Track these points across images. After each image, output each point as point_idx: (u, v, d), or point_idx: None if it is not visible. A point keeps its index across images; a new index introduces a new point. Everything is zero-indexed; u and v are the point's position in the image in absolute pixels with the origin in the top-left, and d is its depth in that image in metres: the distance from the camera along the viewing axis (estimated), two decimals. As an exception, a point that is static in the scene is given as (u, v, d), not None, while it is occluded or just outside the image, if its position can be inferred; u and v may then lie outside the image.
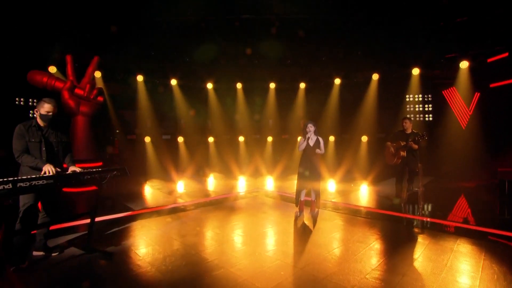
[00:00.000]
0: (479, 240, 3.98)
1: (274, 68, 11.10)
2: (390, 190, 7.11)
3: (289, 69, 11.05)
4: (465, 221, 4.97)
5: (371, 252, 3.60)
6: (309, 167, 5.24)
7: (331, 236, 4.23)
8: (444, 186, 7.89)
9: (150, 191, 7.41)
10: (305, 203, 5.54)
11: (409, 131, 5.88)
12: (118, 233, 4.35)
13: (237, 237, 4.21)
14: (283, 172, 9.77)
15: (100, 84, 9.49)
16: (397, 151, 5.79)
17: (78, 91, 8.44)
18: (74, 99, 8.38)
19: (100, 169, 3.37)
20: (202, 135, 11.66)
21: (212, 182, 9.08)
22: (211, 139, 11.72)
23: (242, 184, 8.67)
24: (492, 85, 9.28)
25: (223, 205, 6.14)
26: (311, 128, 5.21)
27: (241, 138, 11.84)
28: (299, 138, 5.13)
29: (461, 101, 9.97)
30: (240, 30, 9.65)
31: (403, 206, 5.83)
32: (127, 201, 6.38)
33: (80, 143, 8.54)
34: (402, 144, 5.72)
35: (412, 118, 11.16)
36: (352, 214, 5.41)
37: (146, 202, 6.42)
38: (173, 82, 10.98)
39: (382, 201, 6.41)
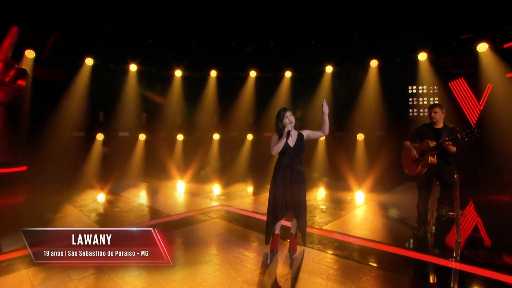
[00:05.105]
0: None
1: (254, 53, 8.84)
2: (402, 205, 4.94)
3: (272, 54, 8.79)
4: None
5: None
6: (289, 181, 3.05)
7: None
8: (471, 201, 5.59)
9: (65, 211, 4.88)
10: (282, 234, 3.36)
11: (440, 125, 3.63)
12: None
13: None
14: (262, 178, 7.42)
15: (28, 67, 7.01)
16: (424, 156, 3.58)
17: (-13, 72, 6.05)
18: (-19, 82, 5.99)
19: None
20: (170, 132, 9.31)
21: (167, 192, 6.67)
22: (180, 137, 9.39)
23: (203, 196, 6.22)
24: (509, 75, 7.31)
25: (155, 237, 3.80)
26: (291, 118, 3.03)
27: (216, 136, 9.54)
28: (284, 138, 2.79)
29: (470, 94, 7.95)
30: (216, 13, 7.46)
31: (431, 241, 3.63)
32: (11, 234, 3.58)
33: (-10, 141, 6.15)
34: (431, 145, 3.51)
35: (415, 114, 9.12)
36: (352, 257, 3.15)
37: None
38: (133, 67, 8.60)
39: (395, 229, 4.10)
